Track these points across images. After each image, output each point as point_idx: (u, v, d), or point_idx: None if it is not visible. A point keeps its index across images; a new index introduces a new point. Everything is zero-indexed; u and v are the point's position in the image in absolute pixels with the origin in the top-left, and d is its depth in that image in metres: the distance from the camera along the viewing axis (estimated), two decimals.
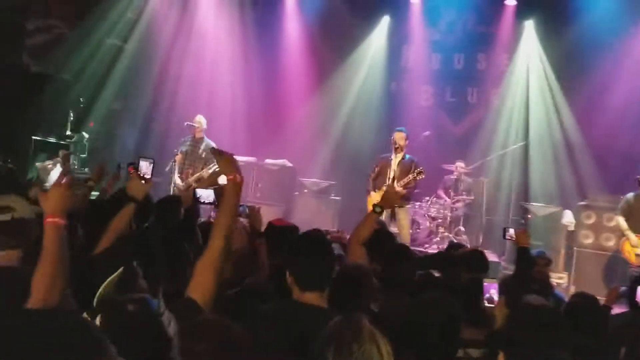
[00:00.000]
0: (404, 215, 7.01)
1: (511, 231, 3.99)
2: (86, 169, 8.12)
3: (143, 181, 2.89)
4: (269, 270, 3.11)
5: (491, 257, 7.91)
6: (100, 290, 1.68)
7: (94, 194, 4.14)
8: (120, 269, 1.78)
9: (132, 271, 2.22)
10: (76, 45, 8.86)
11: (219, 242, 2.06)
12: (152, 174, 3.12)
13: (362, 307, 2.47)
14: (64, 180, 2.03)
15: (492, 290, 2.36)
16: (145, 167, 2.99)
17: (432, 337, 2.00)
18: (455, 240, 8.26)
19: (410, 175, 6.71)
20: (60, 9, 9.08)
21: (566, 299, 4.22)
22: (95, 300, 1.65)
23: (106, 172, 3.87)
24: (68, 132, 8.04)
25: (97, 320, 1.48)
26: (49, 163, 3.42)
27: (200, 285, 1.99)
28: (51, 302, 1.84)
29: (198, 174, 7.56)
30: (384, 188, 6.88)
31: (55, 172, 3.14)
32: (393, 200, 3.45)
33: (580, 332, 2.56)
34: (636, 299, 3.36)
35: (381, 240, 3.40)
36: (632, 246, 6.24)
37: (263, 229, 3.52)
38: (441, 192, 8.70)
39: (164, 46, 9.71)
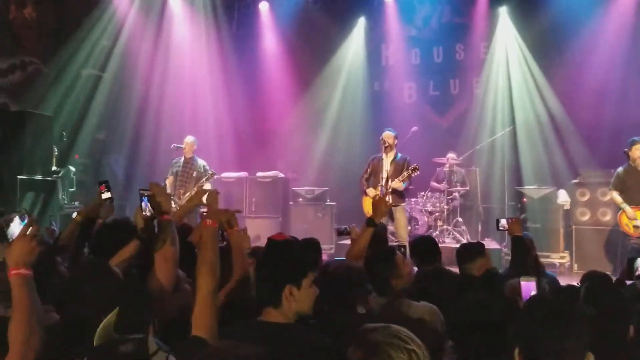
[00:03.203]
0: (400, 214, 6.99)
1: (502, 222, 3.94)
2: (76, 203, 8.05)
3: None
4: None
5: (492, 244, 7.93)
6: (98, 331, 1.63)
7: None
8: (116, 309, 1.73)
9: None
10: (53, 79, 8.79)
11: (211, 281, 2.14)
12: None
13: (349, 307, 2.49)
14: (28, 232, 1.99)
15: (532, 292, 2.33)
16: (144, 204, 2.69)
17: (480, 338, 1.98)
18: (455, 232, 8.30)
19: (405, 173, 6.71)
20: (32, 45, 9.00)
21: (557, 278, 4.22)
22: (95, 341, 1.61)
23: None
24: (54, 168, 7.95)
25: None
26: (13, 215, 3.22)
27: (202, 323, 2.03)
28: (29, 356, 1.82)
29: (189, 194, 7.53)
30: (378, 188, 6.89)
31: (15, 225, 2.92)
32: (382, 209, 3.47)
33: (598, 313, 2.51)
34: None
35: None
36: (629, 219, 6.26)
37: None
38: (435, 185, 8.70)
39: (143, 70, 9.65)
